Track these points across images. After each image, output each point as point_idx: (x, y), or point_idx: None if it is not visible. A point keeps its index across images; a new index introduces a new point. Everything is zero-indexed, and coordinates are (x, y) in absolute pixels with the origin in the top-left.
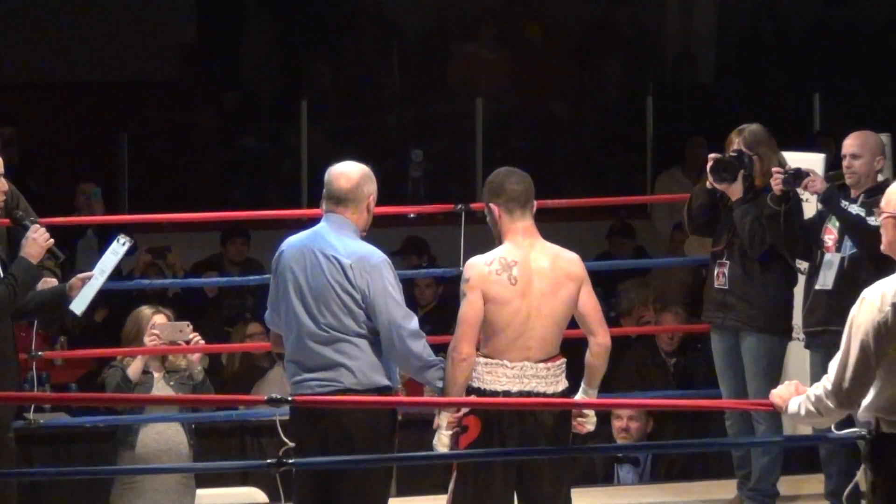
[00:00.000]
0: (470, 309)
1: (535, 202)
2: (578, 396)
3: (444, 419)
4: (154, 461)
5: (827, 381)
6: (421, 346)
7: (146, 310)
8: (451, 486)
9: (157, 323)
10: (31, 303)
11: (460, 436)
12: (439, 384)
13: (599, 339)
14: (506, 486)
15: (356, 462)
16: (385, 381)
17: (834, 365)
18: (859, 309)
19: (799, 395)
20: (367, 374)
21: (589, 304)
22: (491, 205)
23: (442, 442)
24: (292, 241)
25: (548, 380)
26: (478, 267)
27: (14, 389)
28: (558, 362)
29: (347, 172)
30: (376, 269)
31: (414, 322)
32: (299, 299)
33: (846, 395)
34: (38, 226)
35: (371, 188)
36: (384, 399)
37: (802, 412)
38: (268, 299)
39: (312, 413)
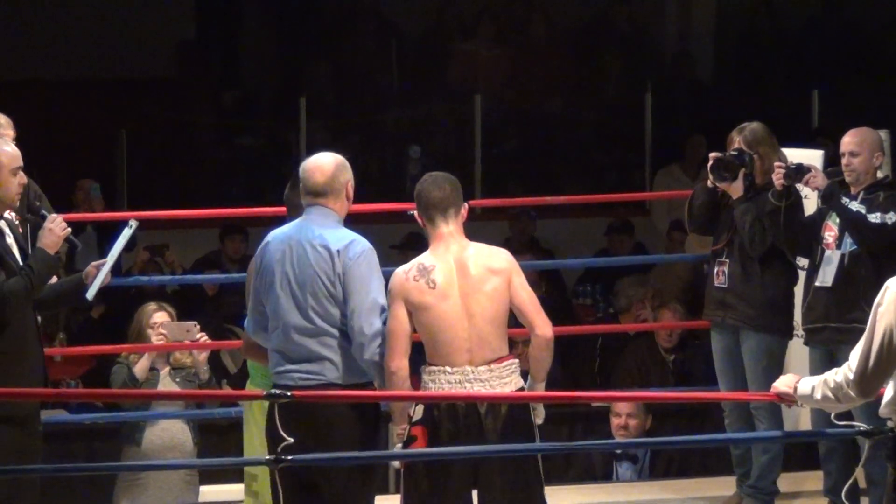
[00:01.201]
0: (393, 321)
1: (466, 205)
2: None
3: (393, 431)
4: (159, 458)
5: (849, 369)
6: (374, 347)
7: (149, 307)
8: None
9: (163, 322)
10: (51, 295)
11: (408, 445)
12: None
13: (538, 331)
14: (458, 494)
15: (350, 459)
16: (369, 376)
17: (856, 353)
18: (883, 297)
19: (810, 378)
20: (351, 368)
21: (521, 295)
22: (415, 212)
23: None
24: (277, 234)
25: (491, 382)
26: (396, 277)
27: (41, 380)
28: (505, 363)
29: (322, 165)
30: (360, 256)
31: (378, 318)
32: (286, 291)
33: (868, 383)
34: (55, 215)
35: (347, 175)
36: (377, 394)
37: (818, 395)
38: (249, 301)
39: (295, 405)
